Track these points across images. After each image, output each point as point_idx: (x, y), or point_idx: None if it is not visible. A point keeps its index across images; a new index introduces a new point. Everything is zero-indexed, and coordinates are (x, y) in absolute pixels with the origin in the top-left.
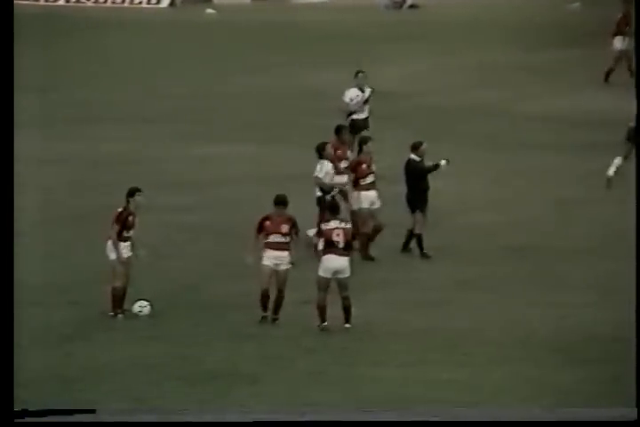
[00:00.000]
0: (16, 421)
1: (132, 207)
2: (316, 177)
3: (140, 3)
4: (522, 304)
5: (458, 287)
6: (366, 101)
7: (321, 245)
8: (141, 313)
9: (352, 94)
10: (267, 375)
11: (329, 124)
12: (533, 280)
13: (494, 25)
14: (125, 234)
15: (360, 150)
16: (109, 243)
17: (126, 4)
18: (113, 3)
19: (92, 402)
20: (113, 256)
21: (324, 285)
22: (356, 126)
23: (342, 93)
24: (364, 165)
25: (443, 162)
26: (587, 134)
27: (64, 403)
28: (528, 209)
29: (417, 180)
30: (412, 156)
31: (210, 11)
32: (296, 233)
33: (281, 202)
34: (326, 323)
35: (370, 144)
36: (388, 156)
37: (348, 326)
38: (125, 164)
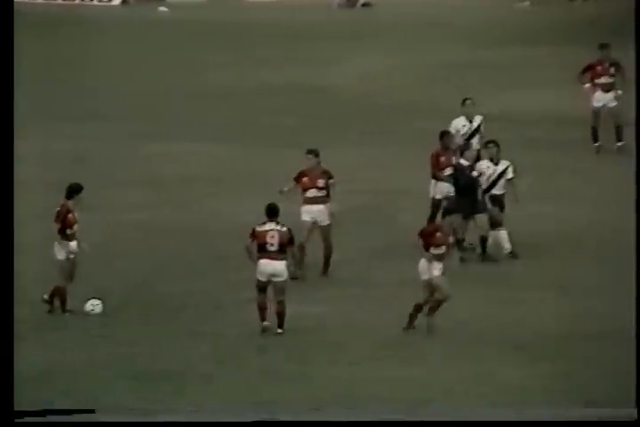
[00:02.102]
0: (16, 421)
1: (70, 205)
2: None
3: (92, 0)
4: (476, 302)
5: (407, 284)
6: (476, 131)
7: (253, 248)
8: (93, 312)
9: (458, 125)
10: (220, 374)
11: (284, 122)
12: (488, 278)
13: (446, 24)
14: (69, 232)
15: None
16: (56, 243)
17: (77, 1)
18: (64, 0)
19: (43, 402)
20: (60, 256)
21: (261, 287)
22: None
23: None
24: (305, 178)
25: (475, 173)
26: (539, 132)
27: (14, 403)
28: None
29: (466, 184)
30: (461, 160)
31: (162, 9)
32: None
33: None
34: (267, 323)
35: (311, 157)
36: (340, 155)
37: (280, 331)
38: (78, 162)
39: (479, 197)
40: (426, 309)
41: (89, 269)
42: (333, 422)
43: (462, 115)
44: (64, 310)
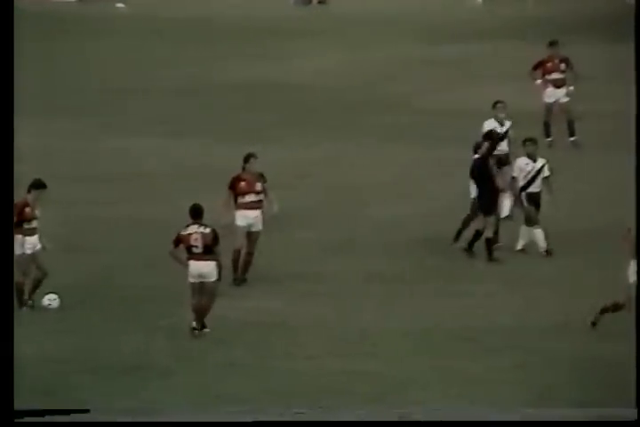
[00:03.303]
0: (16, 421)
1: (29, 199)
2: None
3: None
4: (428, 295)
5: (365, 279)
6: (505, 134)
7: (178, 253)
8: (51, 306)
9: (489, 127)
10: (179, 368)
11: (244, 117)
12: (440, 271)
13: (400, 20)
14: (26, 226)
15: (243, 168)
16: (18, 237)
17: None
18: None
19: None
20: (17, 251)
21: (194, 289)
22: (496, 163)
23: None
24: (242, 183)
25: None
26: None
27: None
28: (433, 202)
29: (485, 180)
30: (477, 156)
31: (120, 5)
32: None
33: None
34: (207, 330)
35: (252, 161)
36: (299, 151)
37: (195, 326)
38: (40, 157)
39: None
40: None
41: (49, 263)
42: (334, 422)
43: (493, 117)
44: (21, 305)
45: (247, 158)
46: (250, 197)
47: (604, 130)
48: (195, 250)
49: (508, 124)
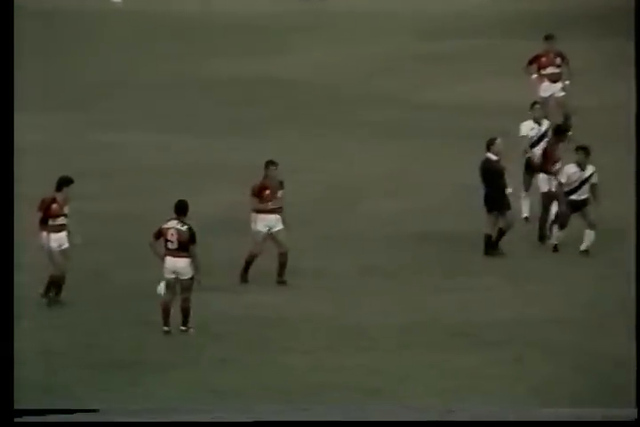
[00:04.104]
0: (16, 420)
1: (58, 196)
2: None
3: None
4: (425, 289)
5: (362, 274)
6: (543, 136)
7: (157, 246)
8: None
9: (526, 128)
10: (175, 363)
11: (239, 112)
12: (436, 266)
13: (398, 15)
14: (52, 222)
15: (266, 175)
16: (43, 233)
17: None
18: None
19: None
20: (45, 246)
21: (167, 284)
22: (533, 164)
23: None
24: (267, 191)
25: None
26: (486, 122)
27: None
28: (429, 196)
29: (494, 179)
30: (489, 154)
31: (115, 0)
32: None
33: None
34: (168, 328)
35: (272, 169)
36: (295, 146)
37: (183, 328)
38: (33, 153)
39: (506, 192)
40: None
41: (42, 259)
42: (334, 422)
43: (531, 118)
44: (56, 301)
45: (267, 165)
46: (272, 204)
47: (600, 124)
48: (170, 245)
49: (546, 124)
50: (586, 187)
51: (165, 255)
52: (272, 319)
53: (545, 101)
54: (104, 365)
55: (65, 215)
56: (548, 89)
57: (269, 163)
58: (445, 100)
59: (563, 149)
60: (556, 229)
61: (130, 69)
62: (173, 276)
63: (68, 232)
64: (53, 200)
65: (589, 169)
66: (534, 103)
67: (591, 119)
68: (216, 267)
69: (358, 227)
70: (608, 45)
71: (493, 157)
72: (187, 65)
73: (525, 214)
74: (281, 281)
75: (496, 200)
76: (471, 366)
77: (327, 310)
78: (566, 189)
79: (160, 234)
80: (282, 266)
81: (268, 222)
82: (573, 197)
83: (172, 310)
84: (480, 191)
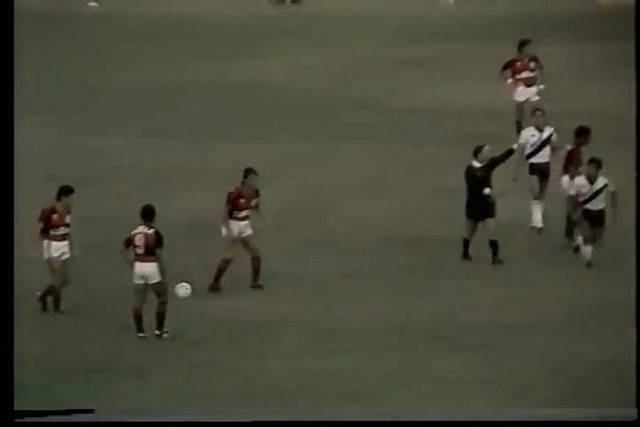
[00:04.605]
0: (16, 421)
1: (58, 206)
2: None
3: None
4: (404, 293)
5: (341, 278)
6: (546, 142)
7: (126, 253)
8: (185, 294)
9: (527, 135)
10: (152, 368)
11: (216, 116)
12: (414, 269)
13: (374, 20)
14: (53, 233)
15: (243, 182)
16: (44, 242)
17: None
18: None
19: None
20: (45, 255)
21: (137, 291)
22: (535, 171)
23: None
24: (242, 200)
25: (515, 146)
26: (466, 126)
27: None
28: (409, 200)
29: (475, 186)
30: (473, 162)
31: (92, 4)
32: None
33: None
34: (143, 334)
35: (252, 177)
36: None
37: (157, 332)
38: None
39: (490, 200)
40: None
41: (21, 263)
42: (335, 422)
43: (532, 125)
44: (56, 310)
45: (246, 174)
46: (245, 212)
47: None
48: (138, 251)
49: (548, 130)
50: (600, 197)
51: (134, 261)
52: (248, 323)
53: (520, 106)
54: (80, 369)
55: (66, 225)
56: (523, 93)
57: (249, 171)
58: (423, 104)
59: (585, 151)
60: (581, 241)
61: (104, 73)
62: (142, 281)
63: (70, 242)
64: (53, 210)
65: (600, 181)
66: (535, 110)
67: (566, 124)
68: (197, 270)
69: (336, 230)
70: (583, 50)
71: (477, 164)
72: (163, 69)
73: (534, 224)
74: (255, 286)
75: (476, 207)
76: (450, 369)
77: (305, 313)
78: (580, 199)
79: (129, 242)
80: (256, 271)
81: (238, 228)
82: (589, 206)
83: (145, 317)
84: (461, 196)
